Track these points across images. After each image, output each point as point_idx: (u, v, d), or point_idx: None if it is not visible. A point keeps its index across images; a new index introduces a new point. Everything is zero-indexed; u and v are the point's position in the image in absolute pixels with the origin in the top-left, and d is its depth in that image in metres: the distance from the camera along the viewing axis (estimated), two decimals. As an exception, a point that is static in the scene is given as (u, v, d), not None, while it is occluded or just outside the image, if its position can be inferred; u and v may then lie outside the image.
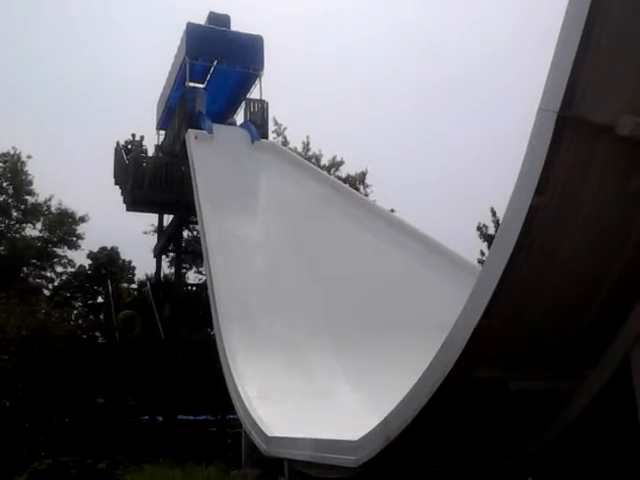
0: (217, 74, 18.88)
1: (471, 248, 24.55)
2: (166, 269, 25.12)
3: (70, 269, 31.69)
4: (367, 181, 27.70)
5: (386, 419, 4.46)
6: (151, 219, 24.48)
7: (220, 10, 18.99)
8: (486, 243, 24.09)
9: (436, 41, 49.45)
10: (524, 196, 3.07)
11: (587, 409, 3.83)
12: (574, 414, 3.91)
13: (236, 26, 18.83)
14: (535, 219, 3.07)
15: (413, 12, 51.57)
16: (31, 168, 29.94)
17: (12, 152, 29.55)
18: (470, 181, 39.15)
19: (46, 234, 30.91)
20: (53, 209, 30.87)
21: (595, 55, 2.74)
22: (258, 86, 18.37)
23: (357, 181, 27.23)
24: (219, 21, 18.59)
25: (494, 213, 24.01)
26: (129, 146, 19.74)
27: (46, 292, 30.08)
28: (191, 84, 18.08)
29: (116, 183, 19.83)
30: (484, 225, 25.32)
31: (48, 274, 31.55)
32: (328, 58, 49.39)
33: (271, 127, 20.81)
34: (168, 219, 19.86)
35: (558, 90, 2.83)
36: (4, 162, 29.53)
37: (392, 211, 17.92)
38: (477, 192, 33.61)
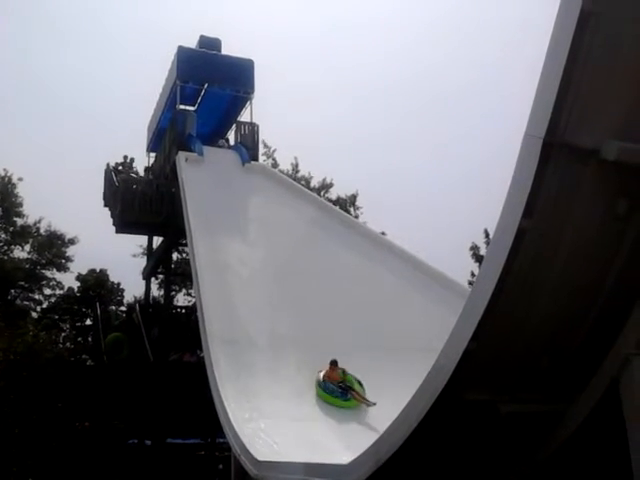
0: (208, 97, 18.97)
1: (466, 268, 24.75)
2: (155, 291, 25.05)
3: (59, 291, 31.53)
4: (357, 203, 27.86)
5: (376, 442, 4.45)
6: (140, 241, 24.48)
7: (210, 33, 19.19)
8: (478, 264, 24.14)
9: (430, 60, 50.12)
10: (512, 219, 3.10)
11: (578, 430, 3.84)
12: (565, 435, 3.91)
13: (227, 49, 19.01)
14: (523, 242, 3.10)
15: (405, 35, 52.19)
16: (21, 190, 29.92)
17: (3, 174, 29.51)
18: (466, 200, 39.35)
19: (35, 256, 30.76)
20: (42, 231, 30.77)
21: (579, 82, 2.79)
22: (249, 109, 18.49)
23: (347, 203, 27.34)
24: (210, 45, 18.73)
25: (487, 234, 24.07)
26: (119, 168, 19.73)
27: (34, 314, 29.86)
28: (182, 107, 18.14)
29: (105, 205, 19.79)
30: (476, 246, 25.44)
31: (36, 296, 31.35)
32: (319, 80, 49.81)
33: (261, 150, 20.87)
34: (157, 241, 19.81)
35: (544, 116, 2.88)
36: (-6, 184, 29.47)
37: (383, 234, 17.96)
38: (473, 211, 33.79)
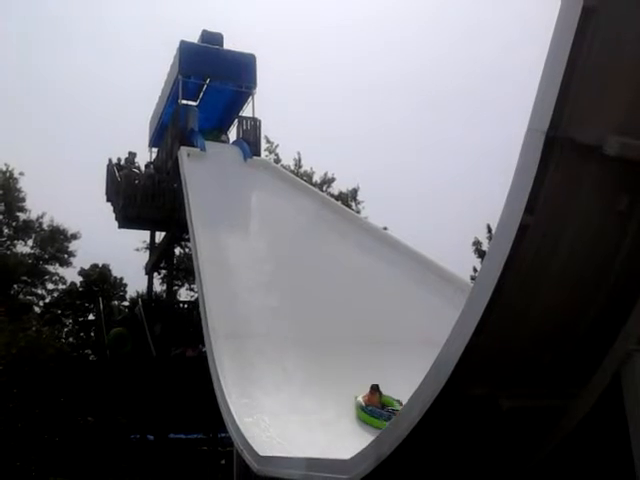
0: (210, 92, 18.96)
1: (469, 263, 24.76)
2: (158, 286, 25.09)
3: (61, 286, 31.62)
4: (359, 197, 27.86)
5: (378, 437, 4.45)
6: (143, 236, 24.51)
7: (213, 27, 19.17)
8: (480, 259, 24.13)
9: (434, 53, 50.06)
10: (514, 215, 3.10)
11: (579, 425, 3.84)
12: (567, 430, 3.92)
13: (229, 42, 19.00)
14: (525, 238, 3.10)
15: (407, 30, 52.08)
16: (24, 185, 29.95)
17: (4, 169, 29.52)
18: (469, 195, 39.36)
19: (37, 251, 30.83)
20: (45, 226, 30.83)
21: (582, 77, 2.79)
22: (251, 104, 18.47)
23: (349, 198, 27.34)
24: (212, 39, 18.70)
25: (489, 229, 24.06)
26: (122, 163, 19.72)
27: (37, 309, 29.93)
28: (184, 101, 18.13)
29: (108, 200, 19.81)
30: (479, 241, 25.45)
31: (39, 291, 31.45)
32: (319, 73, 49.77)
33: (263, 145, 20.88)
34: (160, 236, 19.83)
35: (546, 111, 2.87)
36: (-4, 179, 29.49)
37: (385, 229, 17.96)
38: (476, 206, 33.81)
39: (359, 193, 27.83)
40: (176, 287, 26.68)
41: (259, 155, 17.78)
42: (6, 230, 30.14)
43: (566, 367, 3.71)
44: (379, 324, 10.81)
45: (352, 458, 4.82)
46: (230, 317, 10.76)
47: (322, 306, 11.21)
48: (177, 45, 18.10)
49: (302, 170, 27.45)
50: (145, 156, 21.26)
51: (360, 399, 9.56)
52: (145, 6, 54.94)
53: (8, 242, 30.21)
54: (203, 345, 12.12)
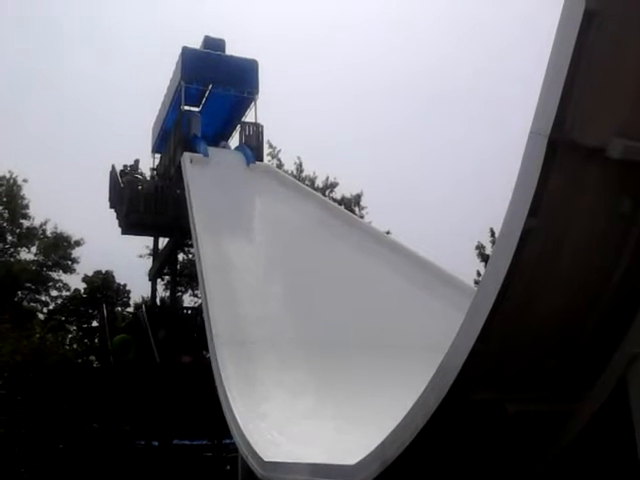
0: (212, 98, 19.00)
1: (472, 267, 24.73)
2: (161, 292, 25.09)
3: (65, 293, 31.64)
4: (362, 203, 27.83)
5: (383, 443, 4.44)
6: (146, 242, 24.53)
7: (214, 33, 19.23)
8: (484, 263, 24.11)
9: (435, 56, 50.09)
10: (517, 218, 3.10)
11: (585, 429, 3.83)
12: (573, 434, 3.91)
13: (231, 47, 19.05)
14: (529, 241, 3.09)
15: (409, 32, 52.16)
16: (27, 192, 30.01)
17: (8, 176, 29.59)
18: (471, 199, 39.33)
19: (41, 258, 30.86)
20: (48, 233, 30.89)
21: (585, 80, 2.78)
22: (253, 109, 18.51)
23: (352, 203, 27.32)
24: (214, 45, 18.76)
25: (493, 233, 24.02)
26: (125, 169, 19.76)
27: (41, 316, 29.96)
28: (186, 107, 18.18)
29: (111, 207, 19.83)
30: (482, 245, 25.41)
31: (43, 298, 31.46)
32: (320, 77, 49.84)
33: (265, 150, 20.90)
34: (163, 242, 19.85)
35: (549, 114, 2.87)
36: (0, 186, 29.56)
37: (388, 233, 17.95)
38: (480, 210, 33.74)
39: (362, 198, 27.82)
40: (180, 293, 26.69)
41: (262, 160, 17.79)
42: (10, 237, 30.20)
43: (571, 371, 3.70)
44: (383, 329, 10.78)
45: (357, 463, 4.81)
46: (234, 322, 10.74)
47: (326, 311, 11.19)
48: (179, 51, 18.16)
49: (304, 175, 27.46)
50: (148, 162, 21.34)
51: None
52: (148, 11, 55.19)
53: (12, 249, 30.27)
54: (207, 351, 12.12)
